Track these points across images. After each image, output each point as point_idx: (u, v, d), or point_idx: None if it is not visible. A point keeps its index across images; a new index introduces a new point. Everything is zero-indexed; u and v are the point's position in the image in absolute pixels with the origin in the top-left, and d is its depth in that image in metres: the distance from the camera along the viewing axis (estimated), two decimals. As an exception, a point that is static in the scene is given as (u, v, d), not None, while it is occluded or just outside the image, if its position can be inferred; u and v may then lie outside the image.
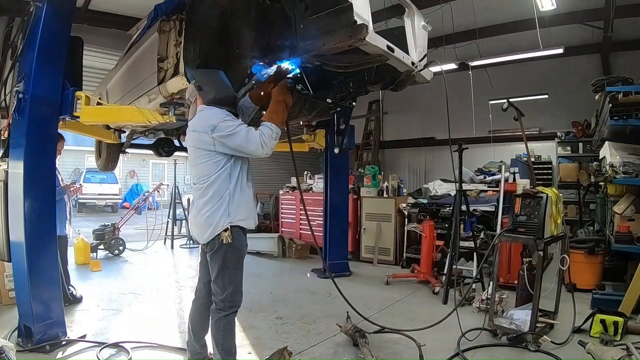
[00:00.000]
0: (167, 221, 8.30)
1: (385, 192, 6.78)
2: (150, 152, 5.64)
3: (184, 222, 8.64)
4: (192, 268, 6.32)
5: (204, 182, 2.45)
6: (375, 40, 2.47)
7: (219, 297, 2.47)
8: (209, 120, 2.41)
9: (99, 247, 6.69)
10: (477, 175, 6.28)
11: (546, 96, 8.45)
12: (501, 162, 6.37)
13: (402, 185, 6.95)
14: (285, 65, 2.75)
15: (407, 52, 3.12)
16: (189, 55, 2.82)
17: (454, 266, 4.45)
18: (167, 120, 3.45)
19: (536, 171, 7.65)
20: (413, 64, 3.15)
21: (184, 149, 5.81)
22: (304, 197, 7.47)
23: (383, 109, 9.92)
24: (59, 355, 3.01)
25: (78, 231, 6.83)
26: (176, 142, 5.38)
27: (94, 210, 15.54)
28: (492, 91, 8.18)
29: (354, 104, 3.84)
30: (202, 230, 2.46)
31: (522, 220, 3.34)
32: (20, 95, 3.06)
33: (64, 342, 3.13)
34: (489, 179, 6.05)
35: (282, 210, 8.30)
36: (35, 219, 3.05)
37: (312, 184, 7.82)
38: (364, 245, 6.77)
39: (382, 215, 6.56)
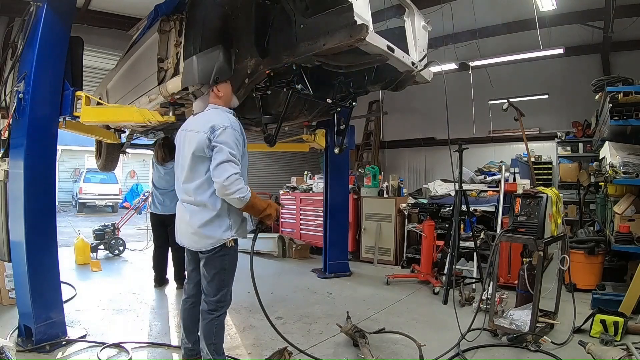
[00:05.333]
0: (167, 221, 8.28)
1: (385, 192, 6.77)
2: (150, 152, 5.64)
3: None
4: (192, 268, 6.31)
5: (202, 188, 2.38)
6: (375, 40, 2.48)
7: (211, 297, 2.44)
8: (213, 120, 2.33)
9: (99, 247, 6.68)
10: (477, 176, 6.27)
11: (546, 96, 8.45)
12: (501, 162, 6.36)
13: (402, 186, 6.94)
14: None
15: (407, 52, 3.12)
16: (189, 56, 2.82)
17: (454, 266, 4.45)
18: (167, 120, 3.45)
19: (536, 171, 7.66)
20: (413, 64, 3.15)
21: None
22: (304, 198, 7.60)
23: (383, 109, 9.91)
24: (59, 355, 3.00)
25: (78, 231, 6.84)
26: (176, 142, 5.37)
27: (94, 211, 15.53)
28: (492, 91, 8.17)
29: (354, 104, 3.84)
30: (201, 239, 2.41)
31: (522, 220, 3.34)
32: (21, 96, 3.06)
33: (64, 342, 3.13)
34: (489, 179, 6.04)
35: (282, 210, 8.28)
36: (35, 219, 3.04)
37: (312, 184, 7.79)
38: (364, 245, 6.77)
39: (382, 215, 6.56)
